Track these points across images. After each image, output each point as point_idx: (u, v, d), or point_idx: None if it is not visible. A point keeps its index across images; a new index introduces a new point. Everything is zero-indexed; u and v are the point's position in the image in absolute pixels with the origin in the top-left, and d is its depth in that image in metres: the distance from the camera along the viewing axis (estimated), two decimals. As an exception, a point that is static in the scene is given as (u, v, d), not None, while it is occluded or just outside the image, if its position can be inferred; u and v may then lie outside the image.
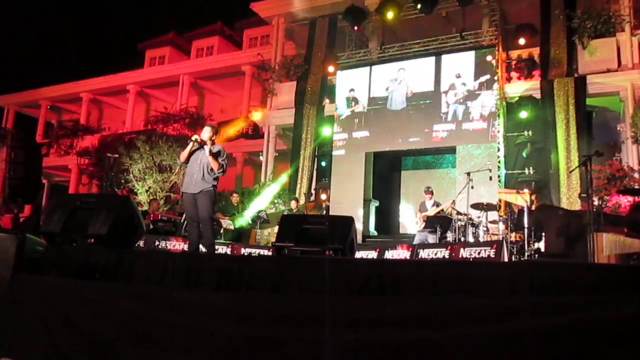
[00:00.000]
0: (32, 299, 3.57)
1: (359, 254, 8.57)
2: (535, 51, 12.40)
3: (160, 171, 14.35)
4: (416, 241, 9.77)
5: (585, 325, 2.12)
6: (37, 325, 3.41)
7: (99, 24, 41.59)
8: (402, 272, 3.27)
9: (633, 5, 11.70)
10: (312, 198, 14.07)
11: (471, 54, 12.40)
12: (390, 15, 13.39)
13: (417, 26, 14.04)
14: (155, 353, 2.92)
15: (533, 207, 8.45)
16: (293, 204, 12.01)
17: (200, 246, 6.55)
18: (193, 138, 6.51)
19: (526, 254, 7.45)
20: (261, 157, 15.85)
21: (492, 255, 7.62)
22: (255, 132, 17.13)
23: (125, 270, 4.02)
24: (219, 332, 2.77)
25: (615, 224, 6.64)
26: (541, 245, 7.59)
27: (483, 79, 12.05)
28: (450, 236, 9.17)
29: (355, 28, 14.42)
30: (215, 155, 6.41)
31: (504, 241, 7.78)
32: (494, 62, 12.06)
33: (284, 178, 14.20)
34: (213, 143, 6.52)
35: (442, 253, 8.35)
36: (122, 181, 14.37)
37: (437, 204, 10.25)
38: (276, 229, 7.11)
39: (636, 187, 9.74)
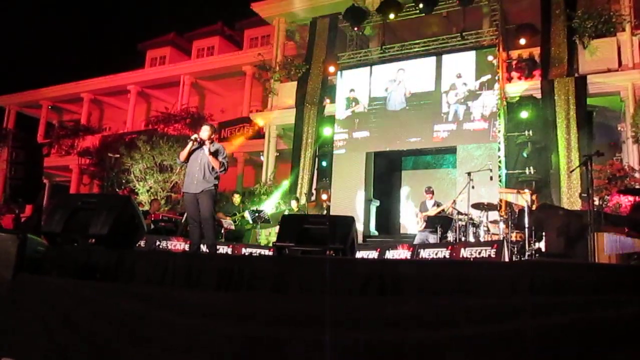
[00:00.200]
0: (32, 299, 3.57)
1: (359, 254, 8.57)
2: (536, 51, 12.39)
3: (161, 171, 14.36)
4: (417, 241, 9.77)
5: (586, 325, 2.12)
6: (37, 325, 3.42)
7: (100, 24, 41.64)
8: (402, 272, 3.27)
9: (633, 5, 11.69)
10: (313, 198, 14.08)
11: (472, 54, 12.40)
12: (391, 16, 13.41)
13: (418, 26, 14.05)
14: (156, 353, 2.93)
15: (533, 207, 8.44)
16: (294, 203, 12.01)
17: (202, 246, 6.56)
18: (192, 137, 6.52)
19: (527, 253, 7.45)
20: (262, 157, 15.85)
21: (493, 255, 7.62)
22: (255, 133, 17.13)
23: (126, 270, 4.03)
24: (220, 332, 2.78)
25: (616, 223, 6.63)
26: (542, 245, 7.59)
27: (484, 79, 12.05)
28: (450, 236, 9.18)
29: (356, 28, 14.42)
30: (215, 154, 6.42)
31: (505, 241, 7.78)
32: (495, 62, 12.06)
33: (290, 178, 14.21)
34: (212, 142, 6.53)
35: (443, 253, 8.36)
36: (123, 181, 14.39)
37: (437, 204, 10.25)
38: (277, 228, 7.12)
39: (637, 187, 9.73)
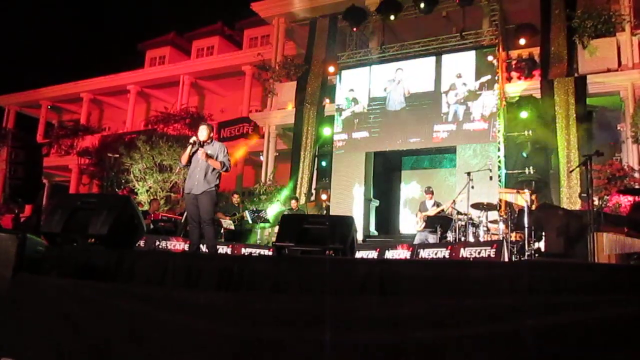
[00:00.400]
0: (32, 299, 3.57)
1: (359, 254, 8.57)
2: (536, 51, 12.40)
3: (161, 171, 14.35)
4: (416, 241, 9.78)
5: (585, 325, 2.12)
6: (37, 325, 3.42)
7: (99, 24, 41.62)
8: (402, 272, 3.27)
9: (633, 5, 11.70)
10: (313, 198, 14.08)
11: (472, 54, 12.40)
12: (392, 17, 13.44)
13: (417, 26, 14.04)
14: (156, 353, 2.93)
15: (533, 207, 8.44)
16: (293, 203, 12.01)
17: (202, 246, 6.56)
18: (191, 140, 6.51)
19: (526, 253, 7.45)
20: (261, 157, 15.85)
21: (493, 255, 7.62)
22: (255, 132, 17.13)
23: (125, 270, 4.03)
24: (220, 332, 2.78)
25: (616, 223, 6.63)
26: (541, 245, 7.59)
27: (484, 79, 12.05)
28: (450, 236, 9.17)
29: (355, 29, 14.43)
30: (215, 156, 6.42)
31: (504, 241, 7.78)
32: (495, 62, 12.05)
33: (289, 182, 14.20)
34: (211, 140, 6.54)
35: (443, 253, 8.36)
36: (123, 181, 14.38)
37: (437, 204, 10.26)
38: (276, 228, 7.12)
39: (636, 186, 9.73)
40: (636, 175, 10.12)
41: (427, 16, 13.42)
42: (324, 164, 14.38)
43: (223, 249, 9.98)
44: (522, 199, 8.47)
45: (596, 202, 9.20)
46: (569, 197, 10.68)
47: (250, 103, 19.42)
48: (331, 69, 14.38)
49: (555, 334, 2.15)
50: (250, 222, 11.62)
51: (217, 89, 21.66)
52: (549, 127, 11.45)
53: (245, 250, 10.19)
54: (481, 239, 8.74)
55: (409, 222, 13.65)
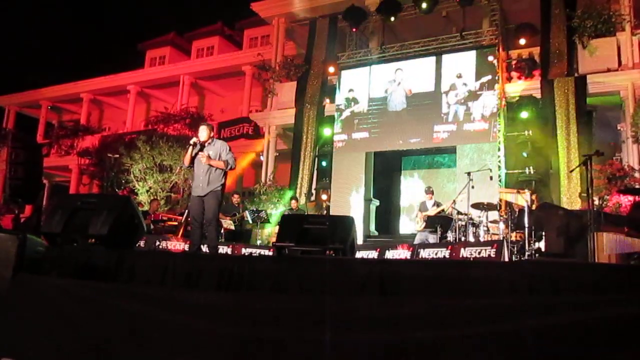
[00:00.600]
0: (32, 300, 3.57)
1: (359, 254, 8.57)
2: (536, 51, 12.40)
3: (161, 171, 14.35)
4: (417, 241, 9.78)
5: (586, 325, 2.12)
6: (37, 325, 3.42)
7: (99, 24, 41.63)
8: (402, 272, 3.27)
9: (633, 5, 11.69)
10: (313, 198, 14.08)
11: (472, 54, 12.39)
12: (392, 18, 13.46)
13: (417, 26, 14.05)
14: (156, 353, 2.93)
15: (533, 207, 8.44)
16: (293, 203, 12.02)
17: (203, 247, 6.55)
18: (192, 142, 6.50)
19: (526, 253, 7.45)
20: (262, 158, 15.85)
21: (493, 255, 7.62)
22: (255, 132, 17.13)
23: (125, 270, 4.03)
24: (220, 332, 2.78)
25: (616, 223, 6.63)
26: (541, 245, 7.58)
27: (484, 79, 12.04)
28: (450, 236, 9.18)
29: (354, 29, 14.44)
30: (217, 155, 6.41)
31: (505, 241, 7.78)
32: (495, 62, 12.05)
33: (290, 184, 14.20)
34: (212, 140, 6.53)
35: (443, 253, 8.36)
36: (123, 181, 14.38)
37: (437, 204, 10.26)
38: (276, 228, 7.12)
39: (637, 186, 9.73)
40: (636, 175, 10.11)
41: (427, 16, 13.43)
42: (324, 164, 14.38)
43: (223, 249, 9.98)
44: (522, 198, 8.47)
45: (596, 202, 9.20)
46: (569, 197, 10.68)
47: (251, 103, 19.42)
48: (331, 69, 14.39)
49: (555, 334, 2.15)
50: (250, 222, 11.62)
51: (217, 89, 21.66)
52: (549, 127, 11.46)
53: (245, 251, 10.19)
54: (481, 239, 8.74)
55: (409, 222, 13.66)
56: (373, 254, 9.35)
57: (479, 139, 11.88)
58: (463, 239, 8.83)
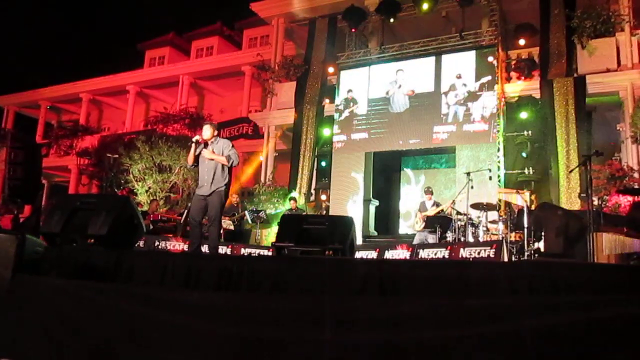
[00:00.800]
0: (31, 300, 3.57)
1: (358, 254, 8.58)
2: (535, 51, 12.40)
3: (160, 171, 14.35)
4: (416, 241, 9.78)
5: (585, 325, 2.12)
6: (37, 325, 3.41)
7: (99, 24, 41.58)
8: (402, 272, 3.27)
9: (632, 5, 11.71)
10: (312, 198, 14.08)
11: (472, 55, 12.38)
12: (391, 18, 13.49)
13: (417, 26, 14.06)
14: (155, 353, 2.92)
15: (533, 207, 8.45)
16: (292, 203, 12.02)
17: (203, 247, 6.53)
18: (194, 139, 6.49)
19: (526, 253, 7.46)
20: (261, 158, 15.85)
21: (492, 255, 7.62)
22: (255, 133, 17.13)
23: (125, 270, 4.02)
24: (219, 333, 2.77)
25: (615, 223, 6.64)
26: (541, 245, 7.59)
27: (484, 80, 12.03)
28: (450, 236, 9.18)
29: (353, 30, 14.44)
30: (220, 153, 6.40)
31: (504, 241, 7.79)
32: (495, 62, 12.05)
33: (289, 184, 14.19)
34: (216, 139, 6.52)
35: (442, 253, 8.36)
36: (122, 181, 14.37)
37: (436, 204, 10.27)
38: (276, 229, 7.11)
39: (636, 186, 9.73)
40: (635, 175, 10.12)
41: (426, 16, 13.43)
42: (323, 164, 14.38)
43: (222, 249, 9.97)
44: (522, 199, 8.49)
45: (596, 202, 9.20)
46: (569, 197, 10.68)
47: (250, 103, 19.42)
48: (330, 69, 14.39)
49: (555, 334, 2.15)
50: (250, 222, 11.62)
51: (216, 89, 21.65)
52: (548, 127, 11.47)
53: (244, 251, 10.18)
54: (481, 239, 8.75)
55: (409, 222, 13.66)
56: (372, 254, 9.35)
57: (478, 139, 11.87)
58: (462, 239, 8.83)
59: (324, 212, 13.10)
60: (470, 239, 8.75)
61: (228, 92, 21.27)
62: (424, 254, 8.64)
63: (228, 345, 2.72)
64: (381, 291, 3.14)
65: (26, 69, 34.38)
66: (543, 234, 7.40)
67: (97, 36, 41.39)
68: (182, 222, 11.29)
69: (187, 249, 9.48)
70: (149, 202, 13.32)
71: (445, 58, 12.76)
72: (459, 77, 12.38)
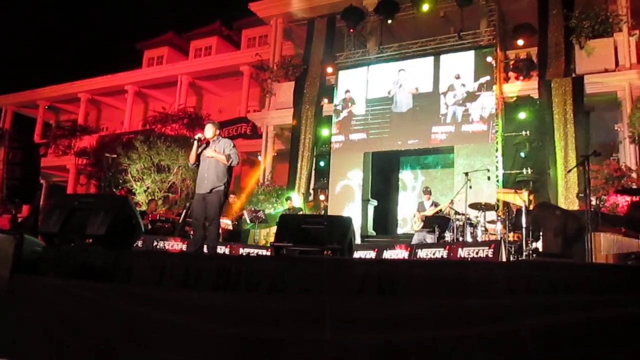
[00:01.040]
0: (30, 300, 3.57)
1: (357, 254, 8.56)
2: (533, 51, 12.42)
3: (159, 171, 14.34)
4: (414, 241, 9.78)
5: (584, 325, 2.13)
6: (35, 325, 3.41)
7: (97, 24, 41.56)
8: (400, 272, 3.27)
9: (630, 6, 11.73)
10: (311, 198, 14.08)
11: (470, 55, 12.38)
12: (389, 18, 13.51)
13: (415, 26, 14.07)
14: (154, 353, 2.92)
15: (531, 207, 8.46)
16: (288, 204, 12.03)
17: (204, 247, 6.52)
18: (196, 137, 6.49)
19: (524, 253, 7.46)
20: (260, 158, 15.85)
21: (490, 255, 7.62)
22: (253, 132, 17.12)
23: (123, 270, 4.02)
24: (219, 333, 2.78)
25: (613, 223, 6.66)
26: (539, 245, 7.60)
27: (483, 80, 12.03)
28: (448, 236, 9.18)
29: (351, 30, 14.45)
30: (222, 152, 6.40)
31: (502, 241, 7.79)
32: (493, 62, 12.06)
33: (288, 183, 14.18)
34: (218, 138, 6.52)
35: (441, 253, 8.35)
36: (121, 181, 14.36)
37: (435, 204, 10.28)
38: (274, 229, 7.11)
39: (634, 186, 9.75)
40: (633, 175, 10.14)
41: (424, 16, 13.46)
42: (322, 164, 14.38)
43: (221, 249, 9.96)
44: (520, 199, 8.50)
45: (594, 202, 9.21)
46: (567, 197, 10.70)
47: (248, 103, 19.42)
48: (329, 69, 14.40)
49: (553, 334, 2.16)
50: (248, 222, 11.61)
51: (215, 89, 21.65)
52: (547, 127, 11.48)
53: (243, 251, 10.18)
54: (479, 239, 8.75)
55: (407, 222, 13.67)
56: (371, 254, 9.35)
57: (477, 140, 11.87)
58: (461, 239, 8.83)
59: (323, 212, 13.10)
60: (469, 239, 8.75)
61: (226, 92, 21.27)
62: (423, 254, 8.64)
63: (228, 345, 2.72)
64: (380, 291, 3.15)
65: (24, 68, 34.37)
66: (541, 233, 7.42)
67: (95, 36, 41.37)
68: (180, 221, 11.28)
69: (185, 249, 9.49)
70: (147, 202, 13.31)
71: (443, 58, 12.76)
72: (457, 77, 12.38)
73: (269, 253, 9.24)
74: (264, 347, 2.62)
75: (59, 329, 3.29)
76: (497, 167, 11.54)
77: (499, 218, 8.82)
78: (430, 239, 9.59)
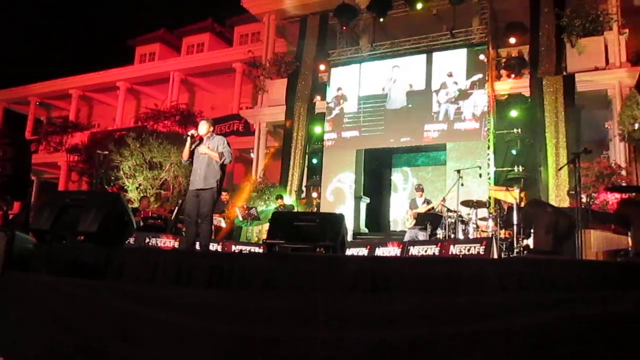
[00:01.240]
0: (21, 297, 3.55)
1: (349, 251, 8.59)
2: (525, 49, 12.47)
3: (151, 168, 14.29)
4: (407, 238, 9.82)
5: (574, 322, 2.14)
6: (27, 323, 3.39)
7: (88, 20, 41.29)
8: (393, 269, 3.29)
9: (621, 5, 11.81)
10: (303, 195, 14.08)
11: (463, 53, 12.42)
12: (381, 16, 13.52)
13: (408, 23, 14.09)
14: (147, 351, 2.92)
15: (522, 205, 8.50)
16: (279, 201, 12.02)
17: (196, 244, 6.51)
18: (189, 133, 6.47)
19: (515, 250, 7.51)
20: (252, 155, 15.83)
21: (482, 252, 7.66)
22: (246, 129, 17.10)
23: (115, 267, 4.01)
24: (211, 330, 2.77)
25: (603, 221, 6.71)
26: (530, 242, 7.64)
27: (475, 78, 12.08)
28: (440, 233, 9.22)
29: (344, 27, 14.45)
30: (215, 149, 6.38)
31: (494, 238, 7.83)
32: (486, 60, 12.11)
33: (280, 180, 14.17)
34: (212, 135, 6.51)
35: (432, 250, 8.39)
36: (112, 178, 14.30)
37: (427, 202, 10.31)
38: (267, 226, 7.11)
39: (624, 184, 9.83)
40: (623, 172, 10.22)
41: (417, 14, 13.49)
42: (314, 161, 14.38)
43: (213, 247, 9.94)
44: (511, 196, 8.54)
45: (584, 200, 9.27)
46: (558, 195, 10.77)
47: (241, 100, 19.38)
48: (322, 66, 14.39)
49: (544, 330, 2.17)
50: (240, 219, 11.60)
51: (207, 86, 21.58)
52: (538, 125, 11.55)
53: (235, 248, 10.17)
54: (471, 236, 8.79)
55: (399, 220, 13.71)
56: (363, 252, 9.37)
57: (469, 138, 11.92)
58: (452, 236, 8.87)
59: (315, 209, 13.11)
60: (461, 236, 8.79)
61: (219, 88, 21.22)
62: (415, 251, 8.67)
63: (221, 343, 2.72)
64: (373, 289, 3.16)
65: (15, 64, 34.07)
66: (532, 231, 7.46)
67: (87, 32, 41.11)
68: (172, 219, 11.24)
69: (177, 246, 9.47)
70: (139, 199, 13.26)
71: (436, 56, 12.79)
72: (450, 75, 12.41)
73: (261, 250, 9.25)
74: (256, 345, 2.62)
75: (50, 326, 3.27)
76: (488, 164, 11.59)
77: (491, 215, 8.87)
78: (422, 236, 9.63)
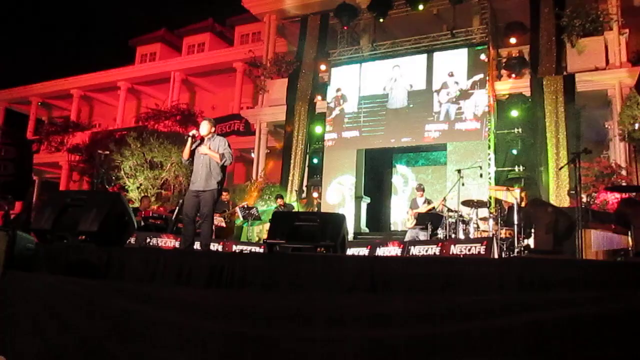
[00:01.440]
0: (22, 297, 3.56)
1: (350, 251, 8.59)
2: (525, 49, 12.48)
3: (152, 168, 14.30)
4: (407, 238, 9.82)
5: (574, 321, 2.15)
6: (28, 322, 3.40)
7: (90, 20, 41.31)
8: (393, 269, 3.29)
9: (621, 5, 11.81)
10: (304, 195, 14.08)
11: (463, 53, 12.42)
12: (382, 16, 13.52)
13: (408, 23, 14.09)
14: (147, 351, 2.93)
15: (523, 204, 8.51)
16: (279, 201, 12.02)
17: (196, 244, 6.52)
18: (190, 133, 6.47)
19: (516, 250, 7.51)
20: (252, 154, 15.84)
21: (482, 252, 7.67)
22: (246, 129, 17.10)
23: (116, 267, 4.02)
24: (211, 330, 2.78)
25: (603, 220, 6.71)
26: (530, 241, 7.65)
27: (476, 77, 12.07)
28: (441, 233, 9.22)
29: (345, 27, 14.45)
30: (216, 149, 6.38)
31: (494, 238, 7.83)
32: (486, 60, 12.10)
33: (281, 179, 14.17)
34: (213, 136, 6.51)
35: (433, 250, 8.40)
36: (113, 178, 14.31)
37: (428, 201, 10.31)
38: (267, 225, 7.11)
39: (624, 184, 9.83)
40: (623, 172, 10.22)
41: (418, 14, 13.49)
42: (315, 161, 14.39)
43: (213, 246, 9.95)
44: (512, 196, 8.53)
45: (584, 199, 9.28)
46: (558, 194, 10.77)
47: (241, 100, 19.38)
48: (322, 66, 14.39)
49: (544, 330, 2.18)
50: (241, 219, 11.61)
51: (208, 86, 21.59)
52: (538, 125, 11.55)
53: (236, 248, 10.18)
54: (471, 236, 8.79)
55: (400, 219, 13.71)
56: (364, 251, 9.37)
57: (470, 138, 11.91)
58: (453, 236, 8.87)
59: (316, 209, 13.11)
60: (461, 236, 8.79)
61: (219, 88, 21.22)
62: (415, 250, 8.68)
63: (220, 342, 2.73)
64: (372, 288, 3.17)
65: (17, 65, 34.11)
66: (533, 230, 7.47)
67: (88, 32, 41.13)
68: (173, 218, 11.25)
69: (178, 246, 9.47)
70: (140, 198, 13.26)
71: (437, 56, 12.78)
72: (451, 75, 12.41)
73: (262, 250, 9.26)
74: (256, 345, 2.63)
75: (51, 325, 3.28)
76: (489, 164, 11.59)
77: (491, 215, 8.87)
78: (423, 236, 9.63)
